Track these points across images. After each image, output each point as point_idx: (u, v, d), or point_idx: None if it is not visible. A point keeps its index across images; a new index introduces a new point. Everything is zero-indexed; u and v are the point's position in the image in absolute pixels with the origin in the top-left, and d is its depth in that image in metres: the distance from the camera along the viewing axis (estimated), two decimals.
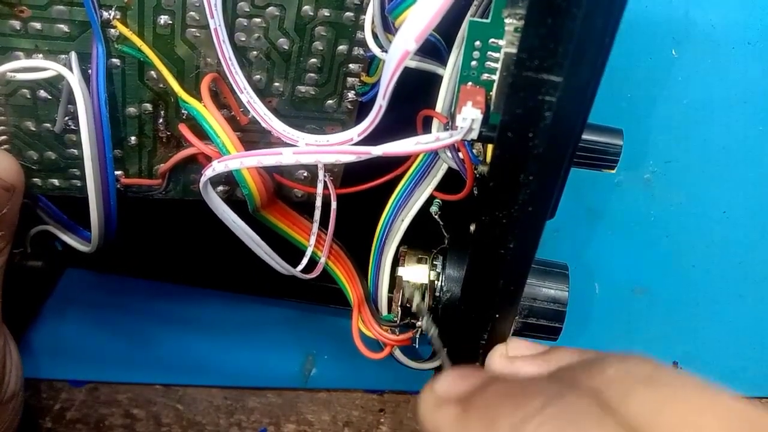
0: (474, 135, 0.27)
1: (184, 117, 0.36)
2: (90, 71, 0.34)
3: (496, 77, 0.28)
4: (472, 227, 0.34)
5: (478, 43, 0.28)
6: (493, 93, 0.28)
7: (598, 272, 0.53)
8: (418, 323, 0.36)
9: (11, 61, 0.33)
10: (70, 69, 0.33)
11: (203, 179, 0.32)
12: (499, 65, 0.27)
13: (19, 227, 0.39)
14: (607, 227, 0.53)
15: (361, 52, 0.36)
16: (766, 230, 0.53)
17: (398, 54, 0.24)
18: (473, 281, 0.29)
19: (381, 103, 0.27)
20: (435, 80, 0.35)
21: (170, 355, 0.53)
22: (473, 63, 0.29)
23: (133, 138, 0.37)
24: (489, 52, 0.28)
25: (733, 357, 0.56)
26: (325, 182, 0.39)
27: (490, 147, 0.29)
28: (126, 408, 0.53)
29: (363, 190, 0.40)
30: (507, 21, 0.27)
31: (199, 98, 0.35)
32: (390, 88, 0.26)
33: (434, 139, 0.26)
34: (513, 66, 0.22)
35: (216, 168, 0.31)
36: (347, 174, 0.40)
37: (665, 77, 0.50)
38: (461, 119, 0.26)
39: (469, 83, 0.29)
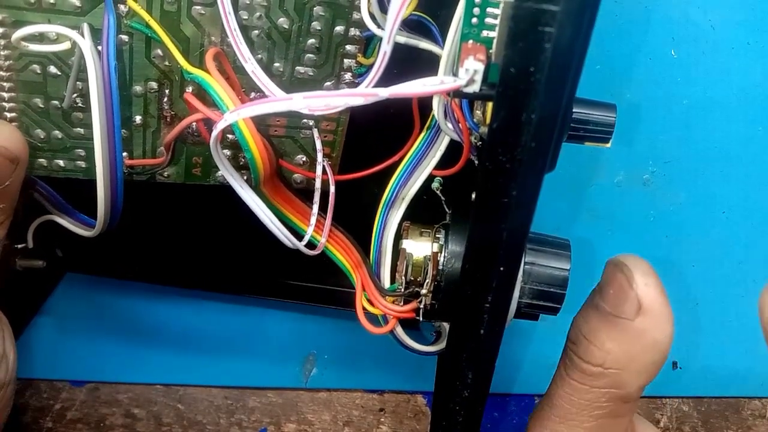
0: (476, 87, 0.27)
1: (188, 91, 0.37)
2: (100, 45, 0.34)
3: (495, 33, 0.29)
4: (474, 196, 0.35)
5: None
6: (493, 49, 0.29)
7: (598, 272, 0.53)
8: (422, 291, 0.36)
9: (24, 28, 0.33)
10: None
11: (215, 132, 0.32)
12: (498, 20, 0.28)
13: (22, 219, 0.39)
14: (607, 227, 0.53)
15: (358, 32, 0.36)
16: (766, 230, 0.54)
17: None
18: (477, 237, 0.29)
19: (385, 49, 0.27)
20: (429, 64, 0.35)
21: (170, 355, 0.53)
22: (474, 20, 0.29)
23: (138, 117, 0.37)
24: (488, 9, 0.29)
25: (733, 357, 0.56)
26: (323, 167, 0.40)
27: (489, 107, 0.30)
28: (127, 408, 0.53)
29: (361, 177, 0.41)
30: None
31: (204, 69, 0.35)
32: (394, 31, 0.27)
33: (439, 82, 0.27)
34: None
35: (228, 118, 0.31)
36: (346, 160, 0.41)
37: (665, 77, 0.50)
38: (463, 71, 0.27)
39: (470, 41, 0.29)
